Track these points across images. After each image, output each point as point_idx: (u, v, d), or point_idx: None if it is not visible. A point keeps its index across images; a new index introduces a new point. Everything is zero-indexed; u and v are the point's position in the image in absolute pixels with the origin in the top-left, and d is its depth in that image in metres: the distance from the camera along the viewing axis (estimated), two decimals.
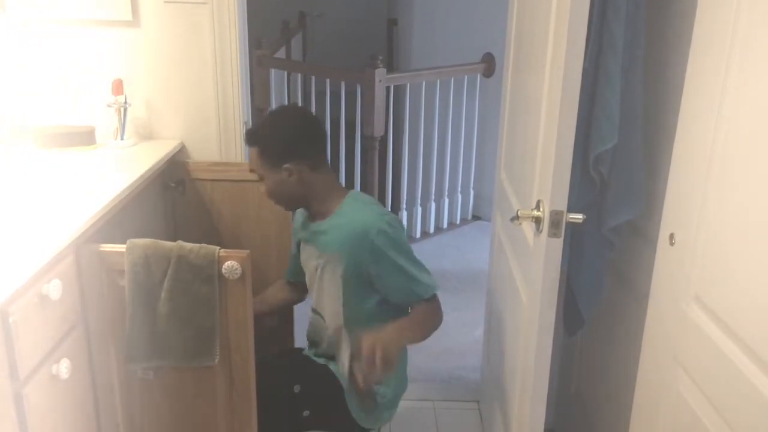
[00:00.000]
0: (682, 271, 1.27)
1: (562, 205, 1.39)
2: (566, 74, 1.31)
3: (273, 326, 2.08)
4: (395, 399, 1.90)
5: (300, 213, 1.91)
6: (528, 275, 1.62)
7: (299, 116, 1.84)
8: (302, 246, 1.90)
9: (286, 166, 1.72)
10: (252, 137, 1.76)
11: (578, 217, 1.42)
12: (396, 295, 1.77)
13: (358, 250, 1.70)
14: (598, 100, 1.57)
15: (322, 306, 1.85)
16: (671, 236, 1.31)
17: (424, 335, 1.76)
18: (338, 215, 1.77)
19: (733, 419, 1.09)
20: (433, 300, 1.77)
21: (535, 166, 1.55)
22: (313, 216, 1.84)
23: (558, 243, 1.42)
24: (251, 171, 1.81)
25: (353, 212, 1.76)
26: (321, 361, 1.87)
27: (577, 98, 1.33)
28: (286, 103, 4.35)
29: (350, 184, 4.00)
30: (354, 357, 1.77)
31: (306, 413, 1.80)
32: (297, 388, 1.80)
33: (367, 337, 1.59)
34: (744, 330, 1.07)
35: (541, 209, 1.45)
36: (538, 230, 1.47)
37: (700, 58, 1.24)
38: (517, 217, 1.51)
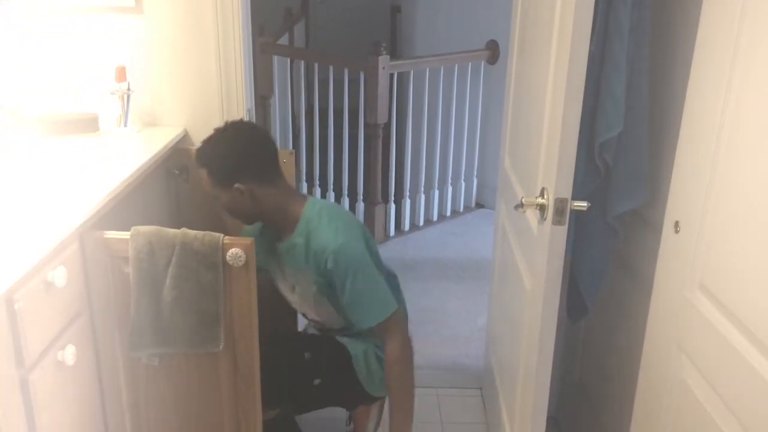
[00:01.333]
0: (687, 259, 1.27)
1: (567, 192, 1.39)
2: (572, 60, 1.31)
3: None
4: None
5: (267, 234, 1.90)
6: (532, 263, 1.62)
7: (243, 134, 1.79)
8: (270, 264, 1.90)
9: (236, 186, 1.71)
10: (199, 158, 1.75)
11: (582, 204, 1.42)
12: (354, 321, 1.78)
13: (322, 272, 1.73)
14: (604, 86, 1.56)
15: (312, 317, 1.89)
16: (676, 224, 1.31)
17: (412, 386, 1.82)
18: (298, 231, 1.77)
19: (737, 407, 1.09)
20: (387, 325, 1.75)
21: (539, 154, 1.55)
22: (278, 231, 1.84)
23: (562, 231, 1.41)
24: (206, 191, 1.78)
25: (311, 229, 1.75)
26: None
27: (583, 85, 1.33)
28: (289, 90, 4.34)
29: (353, 171, 4.00)
30: None
31: (317, 381, 1.84)
32: (308, 356, 1.83)
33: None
34: (749, 318, 1.07)
35: (545, 197, 1.44)
36: (543, 218, 1.47)
37: (707, 46, 1.23)
38: (521, 205, 1.51)
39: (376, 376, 1.89)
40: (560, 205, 1.39)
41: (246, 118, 2.18)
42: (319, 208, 1.78)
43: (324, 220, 1.75)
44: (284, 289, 1.91)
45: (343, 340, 1.88)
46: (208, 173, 1.73)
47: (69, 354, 1.34)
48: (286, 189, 1.81)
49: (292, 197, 1.81)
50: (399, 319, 1.78)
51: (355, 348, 1.88)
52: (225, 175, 1.71)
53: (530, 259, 1.65)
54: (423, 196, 4.23)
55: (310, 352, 1.87)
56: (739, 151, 1.10)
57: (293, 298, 1.90)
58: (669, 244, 1.36)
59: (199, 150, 1.76)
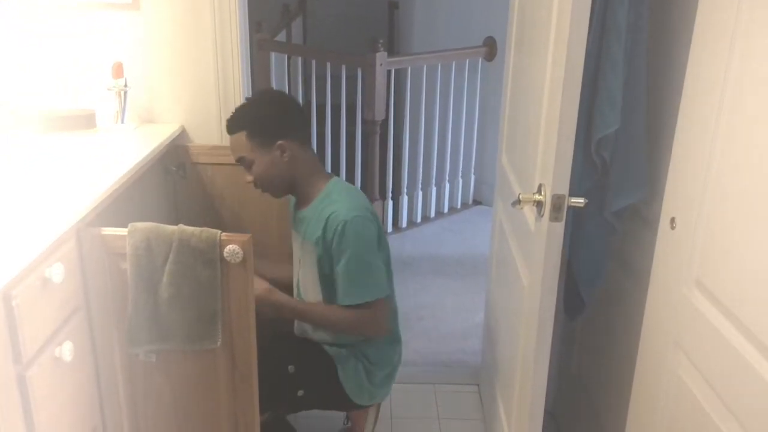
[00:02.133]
0: (683, 256, 1.27)
1: (564, 189, 1.39)
2: (569, 57, 1.31)
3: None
4: (387, 378, 1.94)
5: (291, 202, 1.92)
6: (529, 259, 1.62)
7: (280, 95, 1.87)
8: (292, 233, 1.92)
9: (279, 142, 1.73)
10: (236, 122, 1.75)
11: (580, 201, 1.42)
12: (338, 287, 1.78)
13: (325, 242, 1.73)
14: (601, 83, 1.57)
15: (305, 293, 1.88)
16: (672, 220, 1.31)
17: (316, 324, 1.84)
18: (318, 201, 1.79)
19: (733, 403, 1.09)
20: (363, 310, 1.75)
21: (536, 150, 1.55)
22: (298, 202, 1.85)
23: (559, 227, 1.42)
24: (237, 161, 1.80)
25: (330, 201, 1.77)
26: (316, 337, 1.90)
27: (580, 81, 1.33)
28: (287, 87, 4.34)
29: (351, 168, 4.00)
30: None
31: (300, 393, 1.83)
32: (291, 369, 1.82)
33: (264, 288, 1.71)
34: (744, 314, 1.07)
35: (542, 193, 1.45)
36: (540, 214, 1.47)
37: (703, 44, 1.23)
38: (518, 201, 1.51)
39: (365, 389, 1.88)
40: (557, 202, 1.39)
41: None
42: (342, 187, 1.83)
43: (344, 194, 1.79)
44: (295, 262, 1.92)
45: (332, 350, 1.86)
46: (249, 134, 1.73)
47: (66, 350, 1.34)
48: (316, 158, 1.86)
49: (321, 169, 1.86)
50: (381, 306, 1.77)
51: (344, 361, 1.85)
52: (269, 131, 1.74)
53: (527, 255, 1.65)
54: (420, 193, 4.23)
55: (294, 365, 1.83)
56: (735, 148, 1.11)
57: (297, 272, 1.90)
58: (665, 240, 1.36)
59: (234, 116, 1.77)
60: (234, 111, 1.80)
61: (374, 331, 1.82)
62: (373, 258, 1.75)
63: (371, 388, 1.89)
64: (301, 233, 1.84)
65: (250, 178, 1.80)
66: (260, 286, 1.71)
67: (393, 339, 1.95)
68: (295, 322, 1.97)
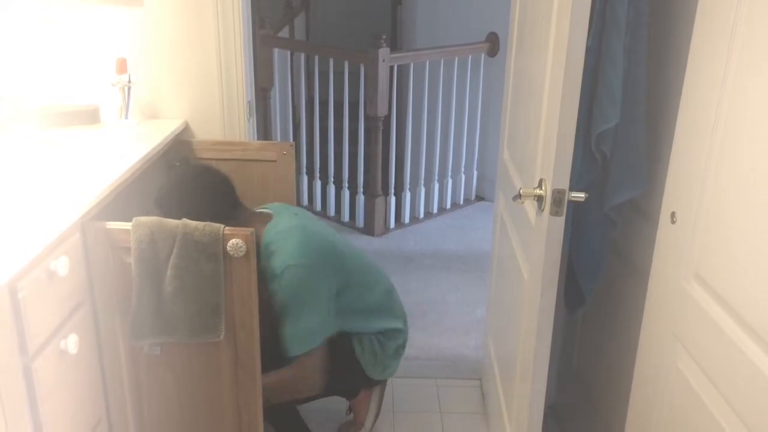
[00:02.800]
0: (683, 249, 1.28)
1: (565, 183, 1.40)
2: (569, 52, 1.32)
3: None
4: (399, 349, 2.03)
5: None
6: (530, 254, 1.63)
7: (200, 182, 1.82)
8: None
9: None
10: (158, 206, 1.75)
11: (580, 195, 1.43)
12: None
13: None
14: (601, 78, 1.57)
15: None
16: (672, 215, 1.32)
17: (281, 398, 1.84)
18: (262, 259, 1.79)
19: (732, 395, 1.10)
20: (294, 362, 1.79)
21: (537, 145, 1.56)
22: None
23: (560, 221, 1.43)
24: None
25: (273, 250, 1.78)
26: None
27: (580, 76, 1.34)
28: (290, 83, 4.34)
29: (353, 164, 4.01)
30: None
31: None
32: None
33: None
34: (743, 308, 1.08)
35: (543, 188, 1.45)
36: (540, 209, 1.48)
37: (703, 38, 1.24)
38: (519, 196, 1.52)
39: (379, 361, 1.95)
40: (558, 196, 1.40)
41: (246, 111, 2.19)
42: (275, 232, 1.81)
43: (281, 242, 1.78)
44: None
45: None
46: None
47: (71, 343, 1.35)
48: (245, 219, 1.84)
49: (257, 222, 1.83)
50: (314, 356, 1.79)
51: (359, 337, 1.94)
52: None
53: (528, 249, 1.66)
54: (423, 189, 4.24)
55: None
56: (735, 142, 1.12)
57: None
58: (665, 234, 1.37)
59: (157, 197, 1.77)
60: (159, 192, 1.78)
61: (302, 371, 1.81)
62: (313, 305, 1.78)
63: (384, 359, 1.97)
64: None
65: None
66: None
67: (396, 315, 2.03)
68: None
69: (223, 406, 1.63)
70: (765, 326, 1.02)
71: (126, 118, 2.09)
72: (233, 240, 1.48)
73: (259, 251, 1.78)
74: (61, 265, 1.31)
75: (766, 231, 1.02)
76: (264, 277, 1.77)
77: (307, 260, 1.77)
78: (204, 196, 1.78)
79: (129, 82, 2.08)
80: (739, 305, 1.09)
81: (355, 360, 1.95)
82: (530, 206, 1.61)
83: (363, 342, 1.95)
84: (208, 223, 1.50)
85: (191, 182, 1.81)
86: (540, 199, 1.47)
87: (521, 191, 1.52)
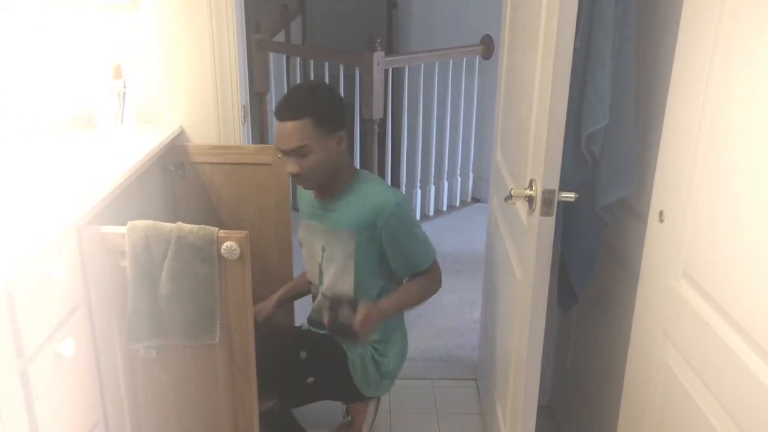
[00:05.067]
0: (671, 248, 1.29)
1: (554, 184, 1.41)
2: (557, 53, 1.33)
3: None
4: (395, 369, 2.00)
5: (305, 193, 1.94)
6: (522, 254, 1.64)
7: (330, 86, 1.91)
8: (305, 224, 1.94)
9: (340, 133, 1.77)
10: (301, 109, 1.71)
11: (570, 195, 1.44)
12: (400, 271, 1.88)
13: (371, 228, 1.76)
14: (590, 79, 1.59)
15: (334, 279, 1.90)
16: (660, 213, 1.34)
17: (417, 302, 1.92)
18: (349, 193, 1.82)
19: (720, 392, 1.11)
20: (431, 268, 1.89)
21: (528, 146, 1.57)
22: (322, 193, 1.87)
23: (550, 221, 1.44)
24: (293, 150, 1.73)
25: (366, 191, 1.83)
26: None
27: (569, 77, 1.35)
28: (285, 87, 4.36)
29: None
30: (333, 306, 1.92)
31: (310, 380, 1.86)
32: (303, 354, 1.86)
33: (370, 308, 1.78)
34: (730, 305, 1.09)
35: (533, 188, 1.47)
36: (531, 209, 1.49)
37: (688, 38, 1.26)
38: (510, 197, 1.54)
39: (372, 380, 1.93)
40: (548, 197, 1.42)
41: (241, 116, 2.20)
42: (370, 175, 1.92)
43: (378, 182, 1.90)
44: (314, 250, 1.94)
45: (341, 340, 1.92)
46: (316, 122, 1.71)
47: (68, 346, 1.37)
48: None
49: (349, 162, 1.92)
50: (437, 268, 1.94)
51: (353, 352, 1.91)
52: (334, 121, 1.76)
53: (520, 249, 1.68)
54: (419, 191, 4.25)
55: (306, 351, 1.89)
56: (720, 141, 1.13)
57: (317, 260, 1.93)
58: (654, 233, 1.38)
59: (297, 103, 1.74)
60: (289, 98, 1.76)
61: (439, 284, 1.95)
62: (419, 229, 1.90)
63: (378, 378, 1.95)
64: (326, 223, 1.87)
65: (295, 168, 1.75)
66: (367, 310, 1.78)
67: (396, 327, 2.01)
68: (311, 313, 2.00)
69: (219, 407, 1.64)
70: (752, 324, 1.03)
71: (122, 122, 2.10)
72: (227, 243, 1.49)
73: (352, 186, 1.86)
74: (57, 269, 1.33)
75: (751, 229, 1.03)
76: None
77: (402, 196, 1.89)
78: (342, 101, 1.85)
79: (124, 87, 2.09)
80: (727, 303, 1.10)
81: (348, 377, 1.91)
82: (521, 207, 1.63)
83: (357, 361, 1.91)
84: (202, 226, 1.51)
85: (329, 87, 1.89)
86: (531, 199, 1.48)
87: (512, 192, 1.53)
